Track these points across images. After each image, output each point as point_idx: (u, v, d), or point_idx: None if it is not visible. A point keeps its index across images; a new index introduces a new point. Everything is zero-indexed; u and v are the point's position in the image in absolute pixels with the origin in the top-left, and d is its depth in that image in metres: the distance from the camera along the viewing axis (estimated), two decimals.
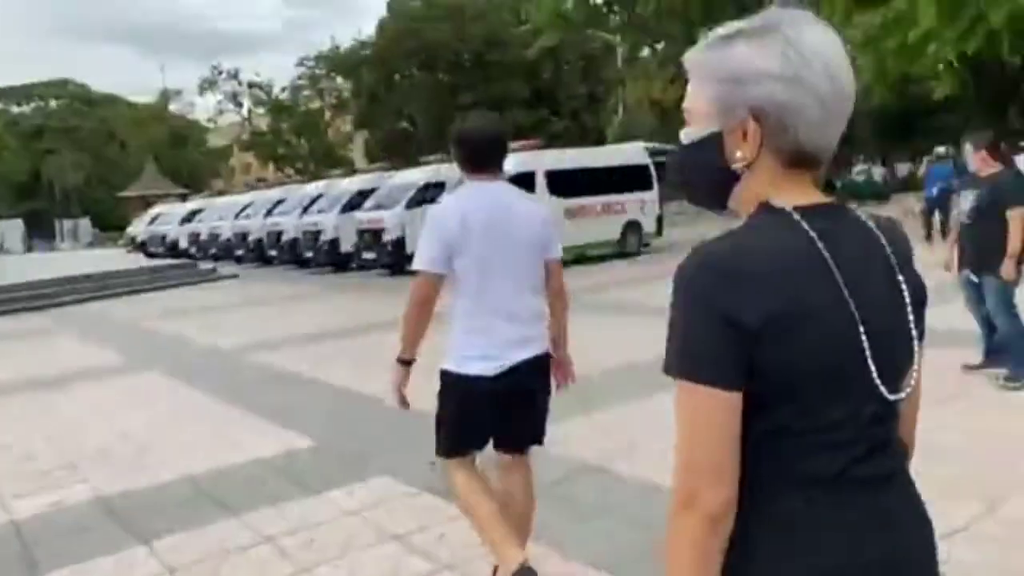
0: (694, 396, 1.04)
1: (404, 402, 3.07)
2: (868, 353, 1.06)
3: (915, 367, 1.13)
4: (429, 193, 17.39)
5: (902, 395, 1.12)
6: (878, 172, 26.16)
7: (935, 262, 13.11)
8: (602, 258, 16.77)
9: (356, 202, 19.58)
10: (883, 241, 1.13)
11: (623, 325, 9.15)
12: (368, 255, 17.83)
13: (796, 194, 1.11)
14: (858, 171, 24.53)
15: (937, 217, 14.66)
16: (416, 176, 18.33)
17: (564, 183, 15.89)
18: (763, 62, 1.07)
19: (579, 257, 16.25)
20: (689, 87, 1.18)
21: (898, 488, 1.15)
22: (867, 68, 17.77)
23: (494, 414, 2.96)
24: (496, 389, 2.89)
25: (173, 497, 4.75)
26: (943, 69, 17.35)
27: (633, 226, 17.27)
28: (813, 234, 1.07)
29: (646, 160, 17.77)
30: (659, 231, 17.96)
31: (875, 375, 1.07)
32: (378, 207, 17.93)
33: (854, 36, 17.49)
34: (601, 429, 5.39)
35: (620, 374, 6.83)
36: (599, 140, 29.29)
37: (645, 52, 32.11)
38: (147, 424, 6.47)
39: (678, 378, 1.06)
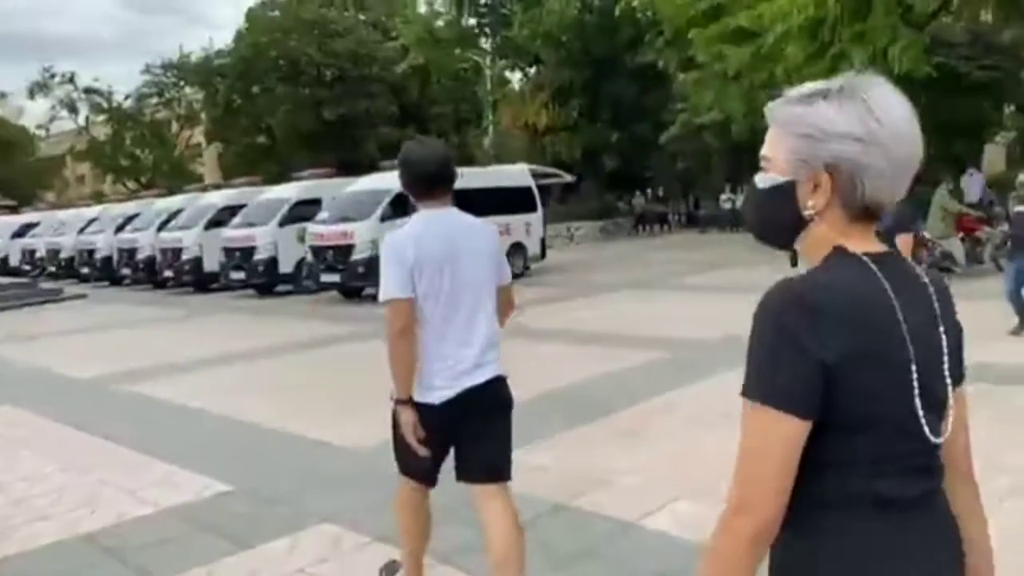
0: (768, 420, 1.14)
1: (424, 444, 2.90)
2: (917, 393, 1.17)
3: (951, 404, 1.23)
4: (303, 210, 16.58)
5: (943, 429, 1.22)
6: (740, 201, 27.51)
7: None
8: None
9: (221, 218, 18.35)
10: (931, 291, 1.25)
11: (536, 352, 8.87)
12: (236, 275, 16.70)
13: (862, 242, 1.22)
14: (724, 199, 25.62)
15: None
16: (288, 192, 17.38)
17: (455, 202, 15.50)
18: (842, 123, 1.18)
19: None
20: (769, 136, 1.27)
21: (939, 510, 1.25)
22: (736, 100, 18.63)
23: (440, 444, 2.93)
24: (444, 417, 2.86)
25: (65, 565, 3.97)
26: None
27: (518, 248, 17.10)
28: (885, 283, 1.17)
29: (530, 182, 17.71)
30: (543, 254, 17.91)
31: (920, 413, 1.17)
32: (248, 224, 16.86)
33: (725, 69, 18.33)
34: (546, 464, 5.04)
35: (541, 403, 6.52)
36: (466, 160, 29.22)
37: (517, 76, 32.50)
38: (10, 471, 5.52)
39: (757, 403, 1.15)
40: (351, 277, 14.44)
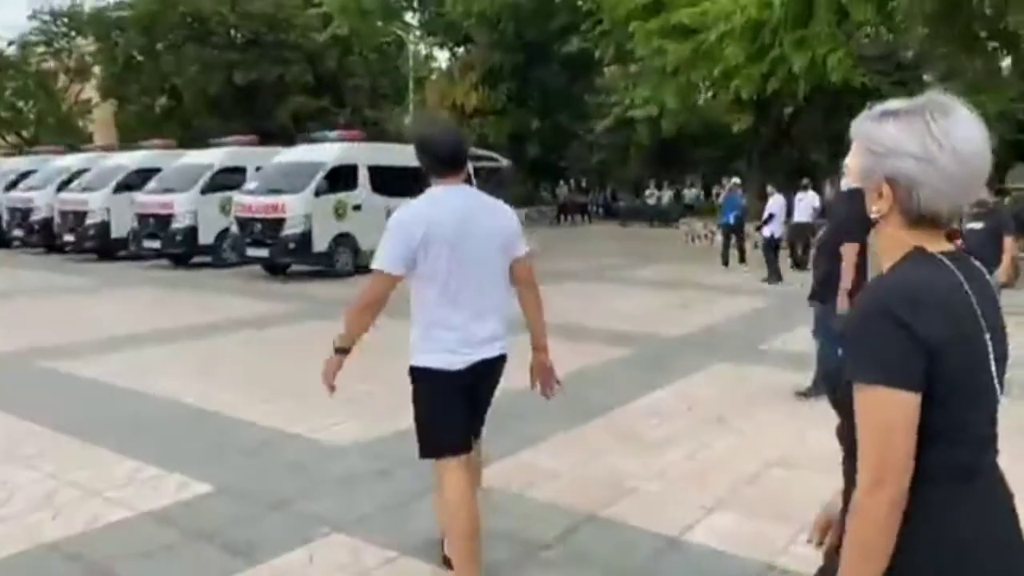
0: (889, 398, 1.29)
1: (332, 388, 3.25)
2: (994, 371, 1.37)
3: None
4: (225, 178, 15.64)
5: (1004, 401, 1.42)
6: (667, 196, 27.86)
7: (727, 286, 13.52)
8: None
9: (131, 181, 17.11)
10: (992, 282, 1.46)
11: None
12: (150, 243, 15.60)
13: (934, 243, 1.40)
14: (649, 194, 25.85)
15: (733, 242, 15.66)
16: (209, 158, 16.32)
17: (386, 180, 14.91)
18: (904, 142, 1.35)
19: None
20: (852, 147, 1.47)
21: (1000, 474, 1.44)
22: (673, 96, 18.73)
23: (467, 406, 3.06)
24: (465, 382, 3.00)
25: None
26: (742, 105, 18.69)
27: None
28: (961, 277, 1.37)
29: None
30: None
31: (999, 390, 1.38)
32: (165, 190, 15.74)
33: (664, 64, 18.40)
34: (559, 470, 4.76)
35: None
36: (380, 137, 28.43)
37: (444, 55, 31.82)
38: None
39: (876, 385, 1.29)
40: (280, 252, 13.68)
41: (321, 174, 13.84)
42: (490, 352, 3.04)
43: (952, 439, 1.34)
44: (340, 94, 37.23)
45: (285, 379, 6.77)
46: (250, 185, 14.42)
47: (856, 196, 1.53)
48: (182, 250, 15.45)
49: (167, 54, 36.08)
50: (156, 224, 15.38)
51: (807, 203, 14.80)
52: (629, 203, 28.86)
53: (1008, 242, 7.35)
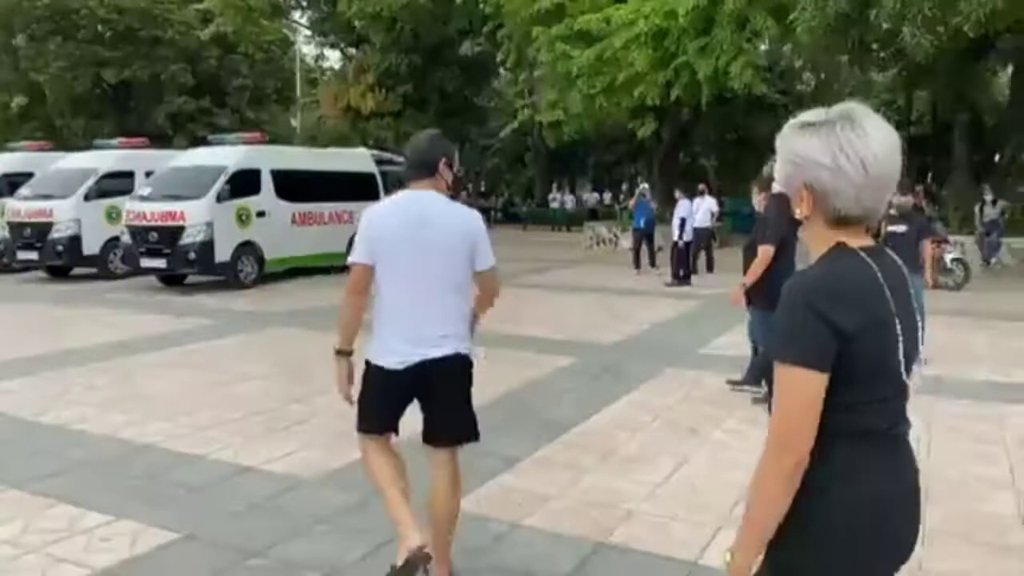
0: (799, 376, 1.49)
1: (350, 399, 3.24)
2: (901, 352, 1.55)
3: (919, 363, 1.62)
4: (112, 183, 14.53)
5: (911, 380, 1.59)
6: (570, 201, 27.95)
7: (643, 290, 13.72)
8: (327, 270, 15.39)
9: None
10: (906, 275, 1.64)
11: None
12: (26, 255, 14.25)
13: (856, 239, 1.58)
14: (552, 198, 25.83)
15: (644, 247, 15.87)
16: (94, 162, 15.08)
17: (291, 185, 14.24)
18: (815, 153, 1.54)
19: (298, 269, 14.74)
20: (778, 156, 1.64)
21: (907, 443, 1.66)
22: (577, 101, 18.83)
23: (396, 403, 3.18)
24: (401, 382, 3.09)
25: None
26: (645, 111, 18.99)
27: None
28: (877, 271, 1.55)
29: (373, 168, 16.71)
30: None
31: (903, 368, 1.56)
32: (42, 196, 14.43)
33: (568, 69, 18.46)
34: (549, 493, 4.52)
35: (487, 415, 5.97)
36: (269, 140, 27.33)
37: (336, 55, 30.83)
38: None
39: (790, 365, 1.50)
40: (180, 263, 12.77)
41: (223, 179, 13.03)
42: (436, 352, 3.08)
43: (865, 409, 1.55)
44: (222, 95, 35.59)
45: (217, 404, 6.22)
46: (143, 191, 13.41)
47: (782, 199, 1.70)
48: (63, 261, 14.21)
49: (26, 49, 33.40)
50: (33, 233, 14.07)
51: (706, 208, 15.14)
52: (530, 208, 28.86)
53: (928, 245, 7.72)
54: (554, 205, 25.73)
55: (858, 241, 1.59)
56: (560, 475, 4.74)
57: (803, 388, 1.49)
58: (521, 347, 8.41)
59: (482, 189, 30.15)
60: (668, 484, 4.59)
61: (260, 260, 13.66)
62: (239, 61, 34.02)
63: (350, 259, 3.10)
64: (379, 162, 17.03)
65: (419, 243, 3.03)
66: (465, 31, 24.93)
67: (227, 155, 13.61)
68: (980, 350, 8.37)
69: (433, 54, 26.13)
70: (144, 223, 12.87)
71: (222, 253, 12.92)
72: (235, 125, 33.60)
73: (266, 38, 31.31)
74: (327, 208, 15.18)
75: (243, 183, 13.26)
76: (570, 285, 13.85)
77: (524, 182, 42.13)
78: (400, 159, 19.01)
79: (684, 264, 14.23)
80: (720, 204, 18.02)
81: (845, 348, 1.48)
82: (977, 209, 14.94)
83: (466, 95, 26.86)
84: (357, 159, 16.56)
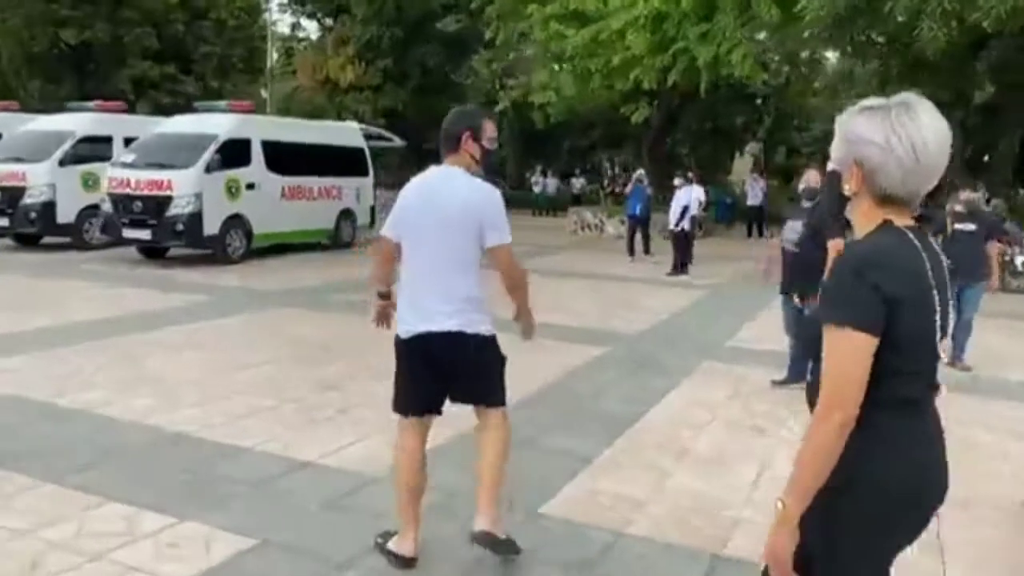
0: (851, 338, 1.61)
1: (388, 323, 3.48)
2: (939, 324, 1.70)
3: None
4: (89, 148, 13.78)
5: (944, 352, 1.84)
6: (552, 185, 27.48)
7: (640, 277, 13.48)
8: (313, 247, 14.86)
9: None
10: (941, 254, 1.77)
11: None
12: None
13: (900, 218, 1.73)
14: (535, 181, 25.40)
15: (639, 235, 15.64)
16: (70, 124, 14.22)
17: (281, 157, 13.64)
18: (869, 133, 1.69)
19: (284, 245, 14.20)
20: (836, 133, 1.80)
21: (936, 408, 1.80)
22: (569, 84, 18.46)
23: (414, 377, 3.21)
24: (409, 350, 3.18)
25: None
26: (640, 96, 18.72)
27: (348, 215, 15.57)
28: (920, 247, 1.71)
29: (362, 142, 16.18)
30: (372, 222, 16.50)
31: (939, 339, 1.72)
32: (14, 159, 13.59)
33: (562, 49, 18.08)
34: (640, 497, 4.24)
35: (548, 411, 5.68)
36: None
37: (313, 25, 29.93)
38: None
39: (841, 327, 1.62)
40: (166, 235, 12.13)
41: (213, 148, 12.39)
42: (441, 326, 3.11)
43: (906, 377, 1.66)
44: (187, 61, 34.27)
45: (244, 390, 5.80)
46: (126, 157, 12.68)
47: (834, 178, 1.78)
48: (36, 229, 13.43)
49: None
50: (3, 198, 13.26)
51: (695, 197, 14.91)
52: (504, 190, 28.42)
53: (995, 245, 7.52)
54: (537, 189, 25.27)
55: (903, 220, 1.72)
56: (641, 476, 4.46)
57: (854, 348, 1.60)
58: (545, 334, 8.08)
59: None
60: (759, 489, 4.34)
61: (249, 234, 13.08)
62: (207, 27, 32.80)
63: (380, 231, 3.30)
64: (367, 137, 16.50)
65: (428, 218, 3.12)
66: (449, 5, 24.30)
67: (217, 123, 12.96)
68: None
69: (416, 28, 25.46)
70: (128, 191, 12.19)
71: (211, 226, 12.31)
72: (199, 94, 32.44)
73: (237, 4, 30.16)
74: (316, 183, 14.64)
75: (233, 153, 12.65)
76: (564, 271, 13.52)
77: (493, 163, 41.63)
78: (388, 135, 18.56)
79: (684, 253, 13.95)
80: (706, 193, 17.84)
81: (892, 315, 1.61)
82: None
83: (446, 71, 26.24)
84: (346, 133, 16.00)
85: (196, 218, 12.09)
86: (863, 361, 1.60)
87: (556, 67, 18.48)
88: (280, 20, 33.77)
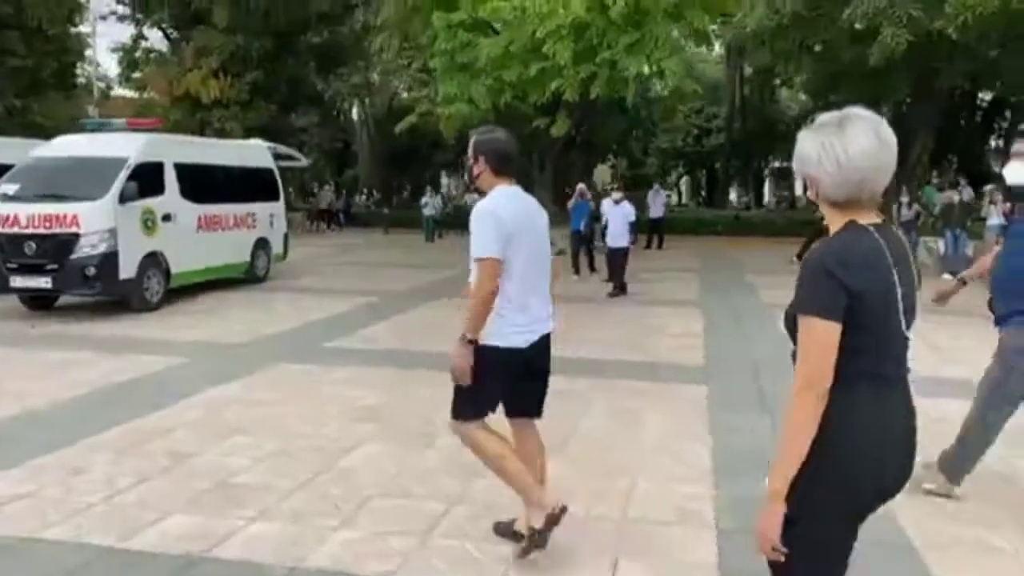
0: (819, 326, 1.88)
1: (502, 380, 3.37)
2: (901, 309, 1.95)
3: (915, 320, 2.01)
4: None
5: (910, 334, 1.99)
6: (435, 205, 25.72)
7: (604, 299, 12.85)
8: (225, 284, 12.86)
9: None
10: (907, 246, 2.05)
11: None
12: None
13: (862, 216, 1.98)
14: (424, 202, 23.51)
15: (582, 251, 14.95)
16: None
17: (194, 183, 11.64)
18: (807, 149, 1.97)
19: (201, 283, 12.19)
20: None
21: (907, 387, 2.04)
22: (482, 97, 17.44)
23: (511, 381, 3.40)
24: (530, 357, 3.39)
25: None
26: (558, 108, 18.01)
27: (263, 244, 13.65)
28: (882, 243, 1.95)
29: (271, 163, 14.30)
30: (285, 252, 14.61)
31: (903, 322, 1.96)
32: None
33: (471, 60, 17.03)
34: None
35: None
36: (32, 130, 22.93)
37: (157, 35, 26.68)
38: None
39: (810, 316, 1.89)
40: (73, 282, 9.86)
41: (124, 174, 10.24)
42: (546, 328, 3.48)
43: (874, 354, 1.93)
44: None
45: (378, 510, 4.37)
46: (7, 188, 10.21)
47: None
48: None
49: None
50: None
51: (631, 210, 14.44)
52: (369, 209, 26.71)
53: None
54: (427, 211, 23.11)
55: (867, 219, 1.96)
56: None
57: (821, 334, 1.87)
58: (618, 373, 7.13)
59: (314, 190, 27.62)
60: None
61: (167, 275, 11.00)
62: (15, 38, 28.56)
63: (490, 253, 3.22)
64: (276, 157, 14.65)
65: (536, 233, 3.43)
66: (324, 17, 22.49)
67: (123, 145, 10.76)
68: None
69: (285, 40, 23.37)
70: (15, 230, 9.80)
71: (127, 268, 10.16)
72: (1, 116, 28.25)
73: (53, 12, 26.43)
74: (231, 210, 12.69)
75: (145, 180, 10.54)
76: None
77: (348, 181, 39.71)
78: (296, 154, 16.68)
79: (621, 271, 13.20)
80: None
81: (855, 304, 1.87)
82: (894, 209, 15.63)
83: (314, 84, 24.34)
84: (255, 152, 14.09)
85: (111, 259, 9.92)
86: (830, 345, 1.86)
87: (461, 79, 17.31)
88: (107, 33, 30.04)
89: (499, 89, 17.07)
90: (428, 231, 22.83)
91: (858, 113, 1.94)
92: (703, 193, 53.36)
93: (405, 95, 32.80)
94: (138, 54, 26.51)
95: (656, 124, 34.36)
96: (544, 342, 3.44)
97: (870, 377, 1.92)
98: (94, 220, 9.82)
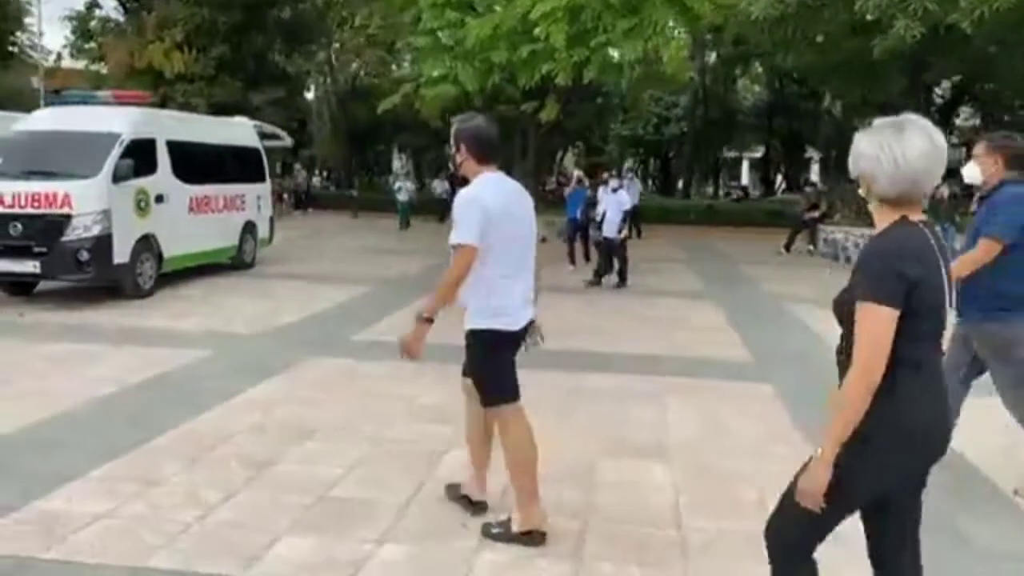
0: (880, 314, 2.05)
1: (417, 356, 3.46)
2: (949, 297, 2.16)
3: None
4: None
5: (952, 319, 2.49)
6: (411, 189, 24.83)
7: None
8: (212, 270, 12.21)
9: None
10: (944, 243, 2.24)
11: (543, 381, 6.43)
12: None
13: (911, 213, 2.16)
14: (398, 187, 22.68)
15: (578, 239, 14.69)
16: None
17: (185, 162, 10.96)
18: (864, 148, 2.17)
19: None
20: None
21: (943, 369, 2.28)
22: (470, 78, 16.95)
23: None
24: (519, 339, 3.54)
25: None
26: (551, 91, 17.62)
27: (250, 228, 12.99)
28: (931, 237, 2.15)
29: (258, 142, 13.61)
30: (271, 236, 13.95)
31: (949, 307, 2.17)
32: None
33: (458, 40, 16.52)
34: None
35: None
36: None
37: (111, 4, 25.24)
38: None
39: (873, 303, 2.05)
40: (62, 266, 9.16)
41: (117, 150, 9.54)
42: (531, 313, 3.56)
43: (928, 340, 2.15)
44: None
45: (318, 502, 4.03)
46: None
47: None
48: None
49: None
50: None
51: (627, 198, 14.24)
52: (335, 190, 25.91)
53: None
54: (402, 197, 22.30)
55: (916, 216, 2.17)
56: None
57: (882, 321, 2.04)
58: (670, 370, 6.90)
59: (320, 170, 26.85)
60: None
61: (159, 259, 10.34)
62: None
63: (468, 239, 3.28)
64: (261, 136, 13.96)
65: (520, 220, 3.51)
66: None
67: (113, 119, 10.01)
68: None
69: (254, 13, 22.36)
70: (1, 210, 9.05)
71: (121, 252, 9.49)
72: None
73: None
74: (221, 191, 12.04)
75: (138, 158, 9.85)
76: None
77: (304, 161, 38.61)
78: (280, 133, 15.95)
79: (622, 261, 12.96)
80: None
81: (912, 291, 2.05)
82: None
83: (278, 63, 23.38)
84: (241, 131, 13.37)
85: (105, 242, 9.24)
86: (888, 331, 2.03)
87: (448, 58, 16.78)
88: (54, 0, 28.36)
89: (487, 71, 16.61)
90: (402, 217, 22.03)
91: (914, 118, 2.15)
92: (654, 182, 53.55)
93: (367, 74, 31.98)
94: (92, 24, 25.17)
95: (626, 111, 34.23)
96: (528, 327, 3.52)
97: (923, 361, 2.13)
98: (87, 200, 9.12)
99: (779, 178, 48.37)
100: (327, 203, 28.65)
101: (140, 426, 5.06)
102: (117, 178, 9.41)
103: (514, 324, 3.41)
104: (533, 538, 3.46)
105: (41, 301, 9.74)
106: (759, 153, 50.56)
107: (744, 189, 49.81)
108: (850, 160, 2.22)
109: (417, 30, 17.16)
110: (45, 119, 10.27)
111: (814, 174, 43.74)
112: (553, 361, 6.71)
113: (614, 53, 14.96)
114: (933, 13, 10.84)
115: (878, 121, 2.18)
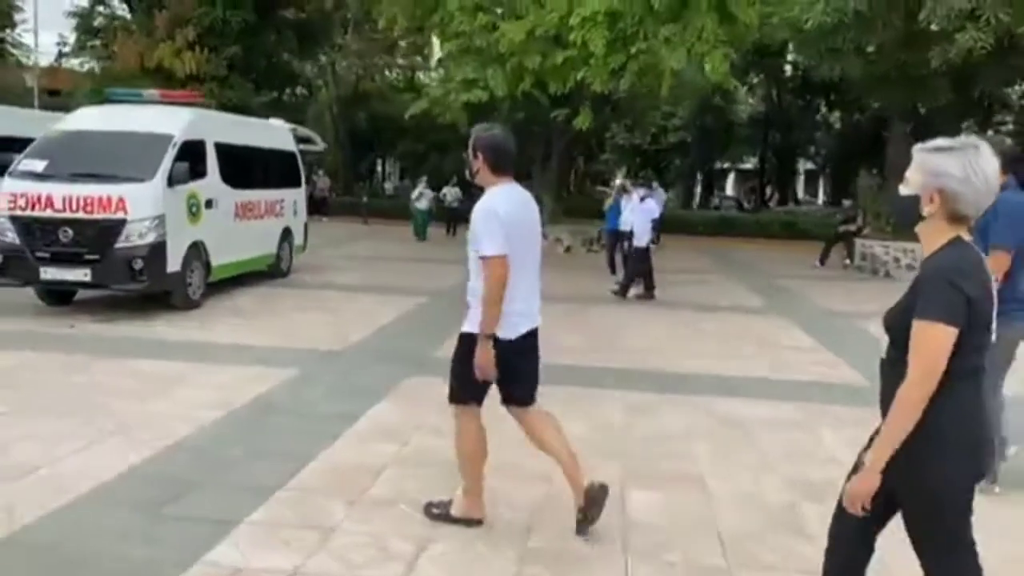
0: (940, 331, 2.13)
1: (493, 377, 3.53)
2: (995, 312, 2.25)
3: None
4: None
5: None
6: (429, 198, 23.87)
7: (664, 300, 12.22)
8: (251, 279, 11.65)
9: None
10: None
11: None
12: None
13: (963, 233, 2.25)
14: (417, 195, 21.85)
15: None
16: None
17: (231, 166, 10.42)
18: (950, 167, 2.20)
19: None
20: (912, 166, 2.30)
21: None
22: (500, 83, 16.52)
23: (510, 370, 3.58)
24: (522, 348, 3.61)
25: None
26: (581, 99, 17.24)
27: (287, 235, 12.44)
28: (982, 256, 2.28)
29: (294, 146, 13.08)
30: (305, 243, 13.40)
31: (995, 322, 2.26)
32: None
33: (490, 44, 16.10)
34: None
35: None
36: None
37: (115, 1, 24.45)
38: None
39: (932, 321, 2.14)
40: (116, 274, 8.56)
41: (171, 153, 8.99)
42: (537, 321, 3.70)
43: (975, 352, 2.20)
44: None
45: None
46: (32, 164, 8.80)
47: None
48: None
49: None
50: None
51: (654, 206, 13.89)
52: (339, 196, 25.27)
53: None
54: (419, 205, 20.62)
55: (967, 235, 2.26)
56: None
57: (941, 338, 2.12)
58: (789, 395, 6.52)
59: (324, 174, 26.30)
60: None
61: (208, 267, 9.79)
62: None
63: (498, 250, 3.39)
64: (296, 140, 13.43)
65: (530, 230, 3.66)
66: None
67: (164, 120, 9.46)
68: None
69: (267, 13, 21.76)
70: (47, 214, 8.45)
71: (174, 260, 8.94)
72: None
73: None
74: (263, 197, 11.50)
75: (190, 161, 9.30)
76: (555, 296, 11.73)
77: (304, 167, 37.90)
78: (315, 137, 15.40)
79: (647, 271, 12.56)
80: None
81: (970, 308, 2.13)
82: None
83: (291, 63, 22.76)
84: (278, 134, 12.83)
85: (159, 250, 8.68)
86: (946, 348, 2.13)
87: (480, 63, 16.34)
88: None
89: (518, 76, 16.20)
90: (421, 227, 21.07)
91: (977, 140, 2.26)
92: None
93: (377, 78, 31.49)
94: (97, 21, 24.43)
95: (637, 120, 33.98)
96: (532, 335, 3.64)
97: (971, 372, 2.22)
98: (143, 205, 8.55)
99: (768, 190, 48.35)
100: (335, 210, 28.03)
101: (272, 458, 4.58)
102: (172, 182, 8.86)
103: (512, 333, 3.50)
104: (470, 524, 3.76)
105: (84, 311, 9.14)
106: (748, 165, 50.59)
107: (737, 201, 49.77)
108: (917, 178, 2.25)
109: (447, 33, 16.72)
110: (90, 118, 9.68)
111: (799, 188, 43.74)
112: (671, 384, 6.35)
113: (663, 59, 14.53)
114: (1004, 23, 10.61)
115: (946, 141, 2.26)
